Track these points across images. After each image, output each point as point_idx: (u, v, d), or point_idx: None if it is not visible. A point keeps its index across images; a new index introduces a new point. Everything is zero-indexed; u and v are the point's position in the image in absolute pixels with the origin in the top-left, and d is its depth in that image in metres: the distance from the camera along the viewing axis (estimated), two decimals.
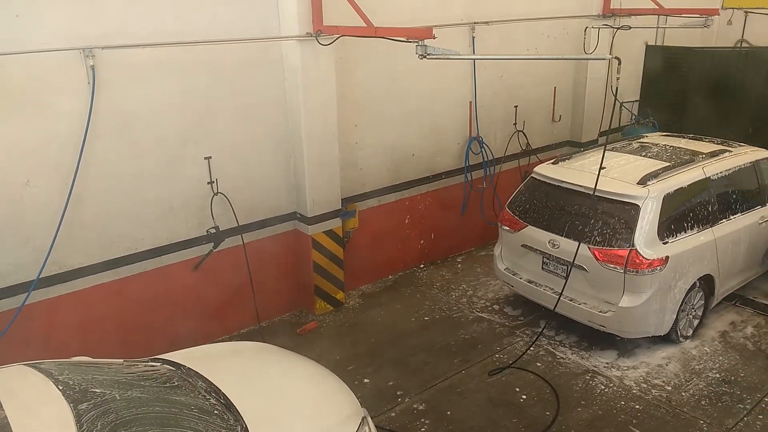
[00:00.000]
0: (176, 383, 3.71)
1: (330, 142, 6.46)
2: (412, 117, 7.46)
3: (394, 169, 7.47)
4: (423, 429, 5.04)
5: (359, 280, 7.44)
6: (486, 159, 8.31)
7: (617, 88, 7.36)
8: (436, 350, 6.13)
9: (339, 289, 6.96)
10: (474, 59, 7.78)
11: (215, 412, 3.48)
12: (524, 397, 5.41)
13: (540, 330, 6.27)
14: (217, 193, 5.91)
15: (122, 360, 4.00)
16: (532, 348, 6.08)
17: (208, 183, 5.86)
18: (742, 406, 5.23)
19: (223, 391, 3.70)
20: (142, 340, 5.67)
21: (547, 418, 5.12)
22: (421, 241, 8.03)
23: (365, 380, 5.67)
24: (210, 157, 5.83)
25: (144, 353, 4.53)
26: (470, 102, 8.01)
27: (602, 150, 6.51)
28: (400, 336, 6.41)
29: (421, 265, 8.09)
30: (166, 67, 5.39)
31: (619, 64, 4.97)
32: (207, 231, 5.95)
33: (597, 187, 5.77)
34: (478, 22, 7.70)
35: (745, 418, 5.07)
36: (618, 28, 8.88)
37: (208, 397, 3.61)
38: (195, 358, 4.17)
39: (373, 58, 6.80)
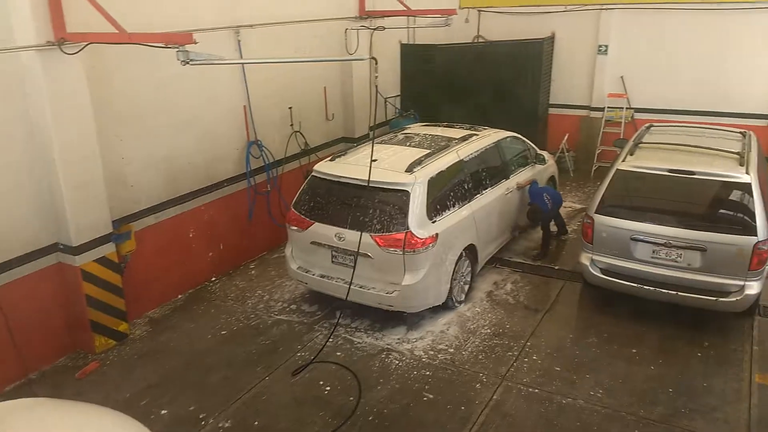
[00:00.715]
0: None
1: (90, 160, 5.88)
2: (185, 125, 7.13)
3: (171, 182, 7.08)
4: None
5: (145, 306, 6.93)
6: (267, 162, 8.32)
7: (377, 86, 7.94)
8: (237, 363, 6.00)
9: (121, 320, 6.40)
10: (239, 63, 7.71)
11: None
12: (328, 388, 5.59)
13: (336, 321, 6.52)
14: None
15: None
16: (331, 340, 6.29)
17: None
18: (511, 353, 6.06)
19: None
20: None
21: (351, 403, 5.36)
22: (210, 254, 7.77)
23: (162, 411, 5.32)
24: None
25: None
26: (244, 106, 7.93)
27: (369, 144, 7.04)
28: (197, 356, 6.14)
29: (213, 279, 7.83)
30: None
31: (377, 63, 5.34)
32: None
33: (371, 179, 6.18)
34: (242, 26, 7.64)
35: (515, 363, 5.89)
36: (374, 29, 9.54)
37: None
38: None
39: (133, 66, 6.34)
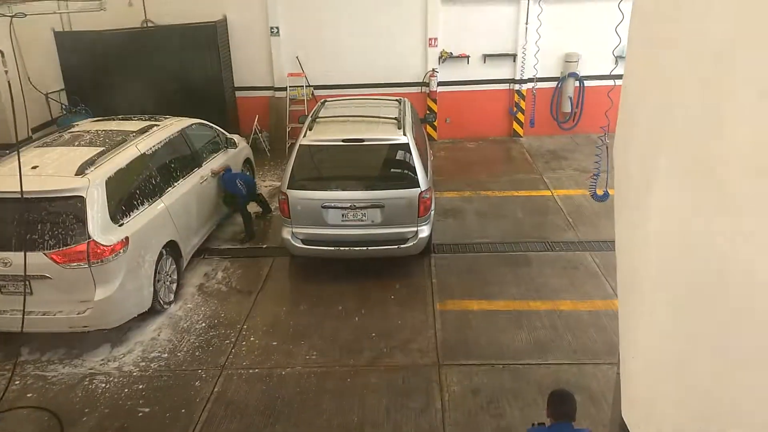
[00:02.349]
0: None
1: None
2: None
3: None
4: None
5: None
6: None
7: (30, 81, 6.90)
8: None
9: None
10: None
11: None
12: None
13: (15, 360, 5.56)
14: None
15: None
16: (17, 382, 5.37)
17: None
18: (228, 341, 6.01)
19: None
20: None
21: None
22: None
23: None
24: None
25: None
26: None
27: (36, 148, 6.11)
28: None
29: None
30: None
31: (3, 56, 4.56)
32: None
33: (34, 189, 5.38)
34: None
35: (233, 350, 5.86)
36: (13, 16, 8.14)
37: None
38: None
39: None
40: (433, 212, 7.07)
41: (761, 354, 1.28)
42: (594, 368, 5.38)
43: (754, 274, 1.30)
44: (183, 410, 5.04)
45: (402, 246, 6.80)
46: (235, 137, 9.13)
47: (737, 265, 1.35)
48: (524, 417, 4.84)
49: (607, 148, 6.20)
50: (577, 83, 11.57)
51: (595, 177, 6.90)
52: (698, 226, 1.50)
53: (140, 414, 5.01)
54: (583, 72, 11.46)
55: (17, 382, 5.38)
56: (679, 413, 1.59)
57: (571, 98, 11.69)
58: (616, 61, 7.28)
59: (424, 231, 6.88)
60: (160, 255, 6.37)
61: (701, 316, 1.49)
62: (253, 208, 8.51)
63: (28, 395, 5.27)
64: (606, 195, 6.84)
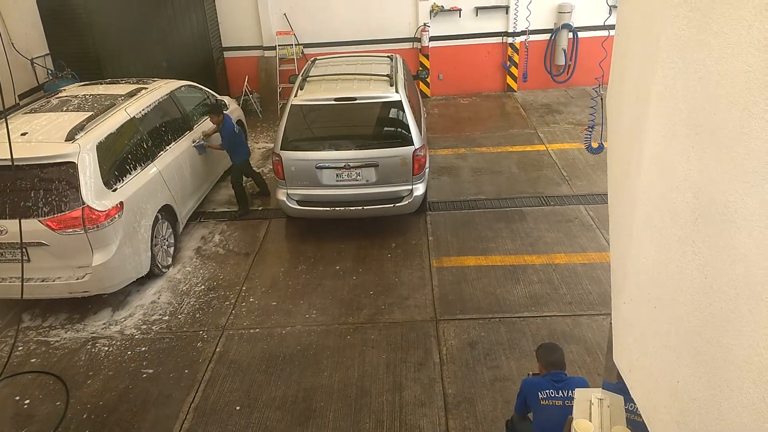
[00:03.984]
0: None
1: None
2: None
3: None
4: None
5: None
6: None
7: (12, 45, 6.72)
8: None
9: None
10: None
11: None
12: (28, 401, 4.88)
13: (17, 326, 5.63)
14: None
15: None
16: (20, 348, 5.45)
17: None
18: (228, 302, 6.08)
19: None
20: None
21: (59, 408, 4.78)
22: None
23: None
24: None
25: None
26: None
27: (24, 115, 6.04)
28: None
29: None
30: None
31: None
32: None
33: (24, 156, 5.35)
34: None
35: (233, 311, 5.93)
36: None
37: None
38: None
39: None
40: (427, 170, 7.06)
41: (742, 287, 1.31)
42: (589, 319, 5.48)
43: (732, 210, 1.32)
44: (186, 371, 5.13)
45: (397, 204, 6.81)
46: (226, 99, 9.01)
47: (718, 204, 1.37)
48: (520, 368, 4.95)
49: (601, 99, 6.15)
50: (570, 35, 11.38)
51: (590, 129, 6.87)
52: (685, 170, 1.51)
53: (144, 375, 5.11)
54: (576, 23, 11.26)
55: (20, 348, 5.46)
56: (668, 352, 1.63)
57: (564, 50, 11.52)
58: (610, 10, 7.16)
59: (419, 189, 6.88)
60: (156, 219, 6.37)
61: (685, 254, 1.52)
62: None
63: (32, 360, 5.35)
64: (601, 147, 6.83)
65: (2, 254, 5.56)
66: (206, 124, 7.87)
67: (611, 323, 2.24)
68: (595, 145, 6.80)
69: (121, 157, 6.11)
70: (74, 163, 5.55)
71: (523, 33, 11.45)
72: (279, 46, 11.34)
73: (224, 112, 7.67)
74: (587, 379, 3.84)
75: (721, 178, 1.39)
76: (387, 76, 7.17)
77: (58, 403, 4.84)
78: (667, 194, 1.59)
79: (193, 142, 7.47)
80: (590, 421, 2.45)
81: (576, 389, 2.73)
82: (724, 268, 1.39)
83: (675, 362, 1.60)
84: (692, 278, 1.51)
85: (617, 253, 2.09)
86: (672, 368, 1.61)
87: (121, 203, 5.78)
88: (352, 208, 6.80)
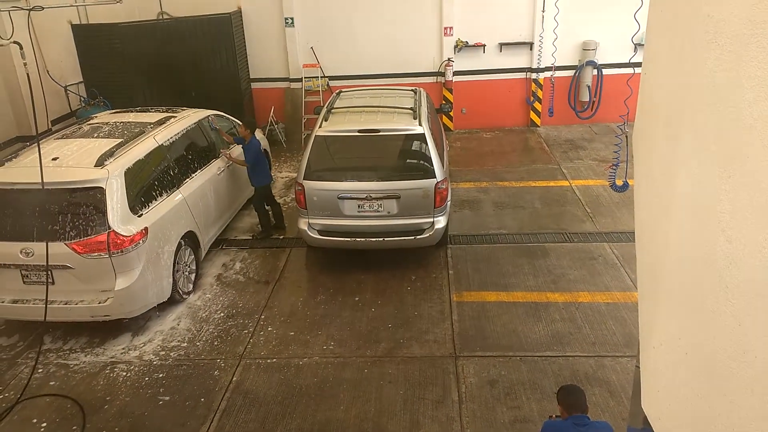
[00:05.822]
0: None
1: None
2: None
3: None
4: None
5: None
6: None
7: (48, 73, 6.97)
8: None
9: None
10: None
11: None
12: (44, 425, 4.88)
13: (39, 348, 5.67)
14: None
15: None
16: (41, 369, 5.48)
17: None
18: (247, 331, 6.06)
19: None
20: None
21: None
22: None
23: None
24: None
25: None
26: None
27: (56, 140, 6.18)
28: None
29: None
30: None
31: (21, 48, 4.60)
32: None
33: (54, 180, 5.49)
34: None
35: (251, 340, 5.91)
36: (31, 9, 8.24)
37: None
38: None
39: None
40: (449, 203, 7.04)
41: None
42: (613, 361, 5.33)
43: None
44: (202, 399, 5.10)
45: (418, 237, 6.78)
46: None
47: (753, 248, 1.33)
48: (541, 409, 4.82)
49: (626, 137, 6.11)
50: (595, 71, 11.41)
51: (614, 167, 6.81)
52: (718, 213, 1.47)
53: (160, 402, 5.09)
54: (601, 60, 11.30)
55: (40, 371, 5.49)
56: (700, 401, 1.56)
57: (589, 87, 11.53)
58: (635, 48, 7.17)
59: (441, 222, 6.85)
60: (179, 245, 6.43)
61: (718, 300, 1.47)
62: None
63: (51, 383, 5.37)
64: (626, 185, 6.75)
65: (28, 276, 5.65)
66: (231, 153, 7.97)
67: (638, 366, 2.17)
68: (619, 182, 6.73)
69: (147, 184, 6.21)
70: (102, 188, 5.66)
71: (547, 69, 11.50)
72: (305, 78, 11.55)
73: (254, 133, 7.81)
74: (611, 424, 3.71)
75: (755, 222, 1.35)
76: (411, 109, 7.23)
77: (75, 427, 4.83)
78: (700, 237, 1.56)
79: (219, 171, 7.56)
80: None
81: None
82: (759, 315, 1.34)
83: (707, 413, 1.53)
84: (725, 325, 1.46)
85: (645, 295, 2.03)
86: (704, 420, 1.54)
87: (146, 229, 5.85)
88: (372, 239, 6.79)
